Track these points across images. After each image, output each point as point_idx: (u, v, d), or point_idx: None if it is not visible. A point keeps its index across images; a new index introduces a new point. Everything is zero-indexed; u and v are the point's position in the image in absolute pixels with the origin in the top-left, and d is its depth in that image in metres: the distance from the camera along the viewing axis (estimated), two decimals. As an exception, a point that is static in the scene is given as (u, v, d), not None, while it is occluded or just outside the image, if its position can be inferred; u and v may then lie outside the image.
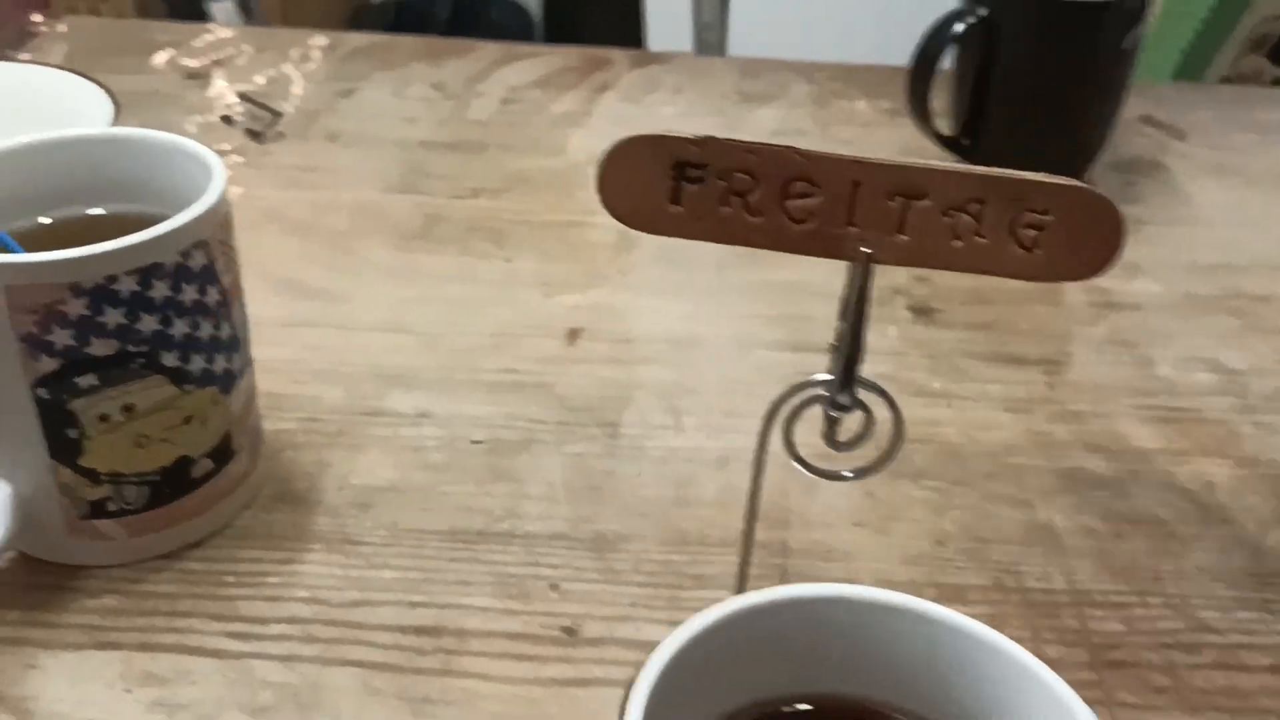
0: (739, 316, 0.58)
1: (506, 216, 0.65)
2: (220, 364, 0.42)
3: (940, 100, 0.69)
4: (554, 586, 0.42)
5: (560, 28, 2.09)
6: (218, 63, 0.81)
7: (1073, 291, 0.61)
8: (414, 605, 0.41)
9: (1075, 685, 0.39)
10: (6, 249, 0.40)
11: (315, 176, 0.68)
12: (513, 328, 0.56)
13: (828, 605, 0.28)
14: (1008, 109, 0.67)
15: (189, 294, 0.39)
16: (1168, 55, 1.11)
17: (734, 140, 0.29)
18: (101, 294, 0.37)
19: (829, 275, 0.52)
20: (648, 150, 0.29)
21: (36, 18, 0.86)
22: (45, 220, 0.43)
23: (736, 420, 0.51)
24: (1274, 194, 0.72)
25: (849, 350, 0.31)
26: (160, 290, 0.39)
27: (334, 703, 0.38)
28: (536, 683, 0.39)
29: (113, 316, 0.38)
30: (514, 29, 2.12)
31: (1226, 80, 1.03)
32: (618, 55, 0.85)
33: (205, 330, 0.40)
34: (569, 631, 0.41)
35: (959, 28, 0.64)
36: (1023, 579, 0.43)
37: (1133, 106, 0.81)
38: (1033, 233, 0.30)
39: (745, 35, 1.58)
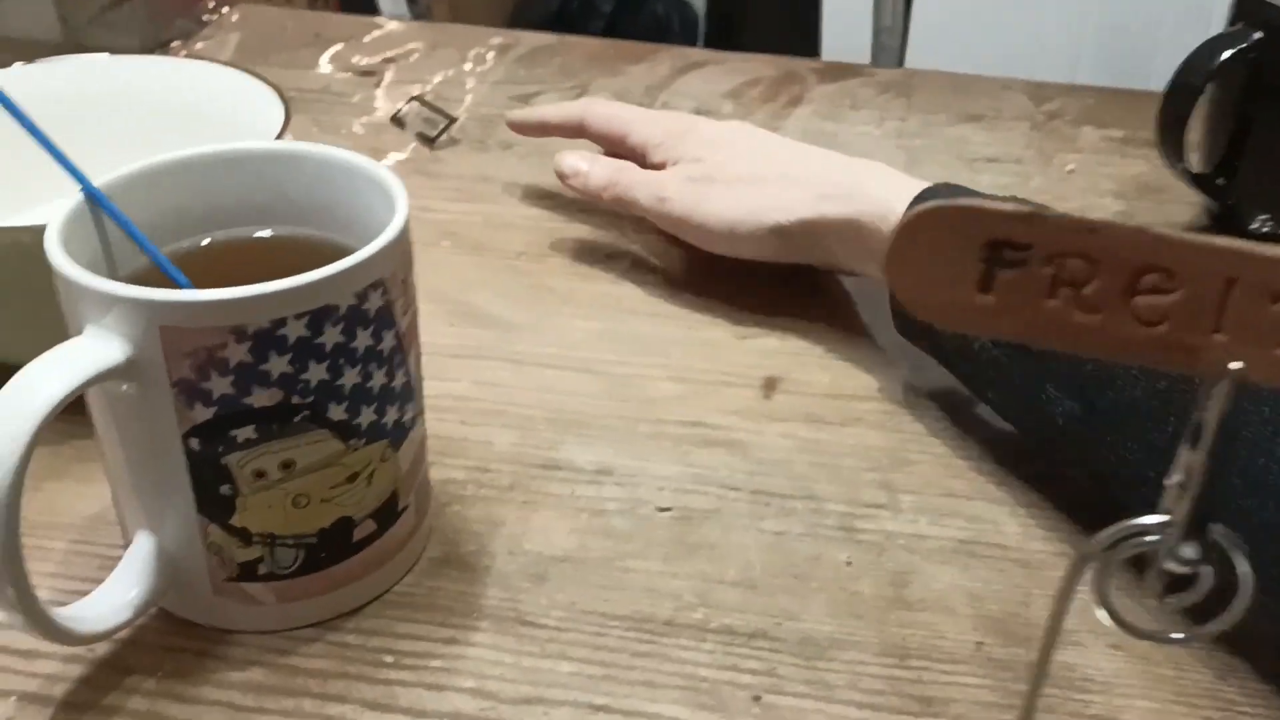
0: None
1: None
2: (391, 416, 0.37)
3: (1191, 132, 0.61)
4: (756, 699, 0.36)
5: (725, 23, 2.03)
6: (388, 60, 0.77)
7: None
8: (595, 709, 0.36)
9: None
10: (170, 280, 0.36)
11: (489, 189, 0.63)
12: (702, 374, 0.50)
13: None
14: (1268, 151, 0.58)
15: (362, 340, 0.34)
16: None
17: (1069, 217, 0.23)
18: (267, 339, 0.33)
19: None
20: (955, 224, 0.23)
21: (209, 4, 0.84)
22: (207, 241, 0.39)
23: (963, 504, 0.44)
24: None
25: (1200, 490, 0.24)
26: (331, 336, 0.34)
27: (502, 829, 0.32)
28: (737, 825, 0.33)
29: (277, 364, 0.33)
30: (677, 24, 2.06)
31: None
32: (803, 66, 0.79)
33: (377, 380, 0.36)
34: (774, 757, 0.35)
35: (1228, 54, 0.56)
36: (1328, 737, 0.36)
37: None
38: None
39: (925, 45, 1.49)
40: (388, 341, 0.36)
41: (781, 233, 0.51)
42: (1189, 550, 0.24)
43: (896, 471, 0.45)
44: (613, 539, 0.42)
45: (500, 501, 0.43)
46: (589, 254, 0.58)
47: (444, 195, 0.63)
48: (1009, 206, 0.23)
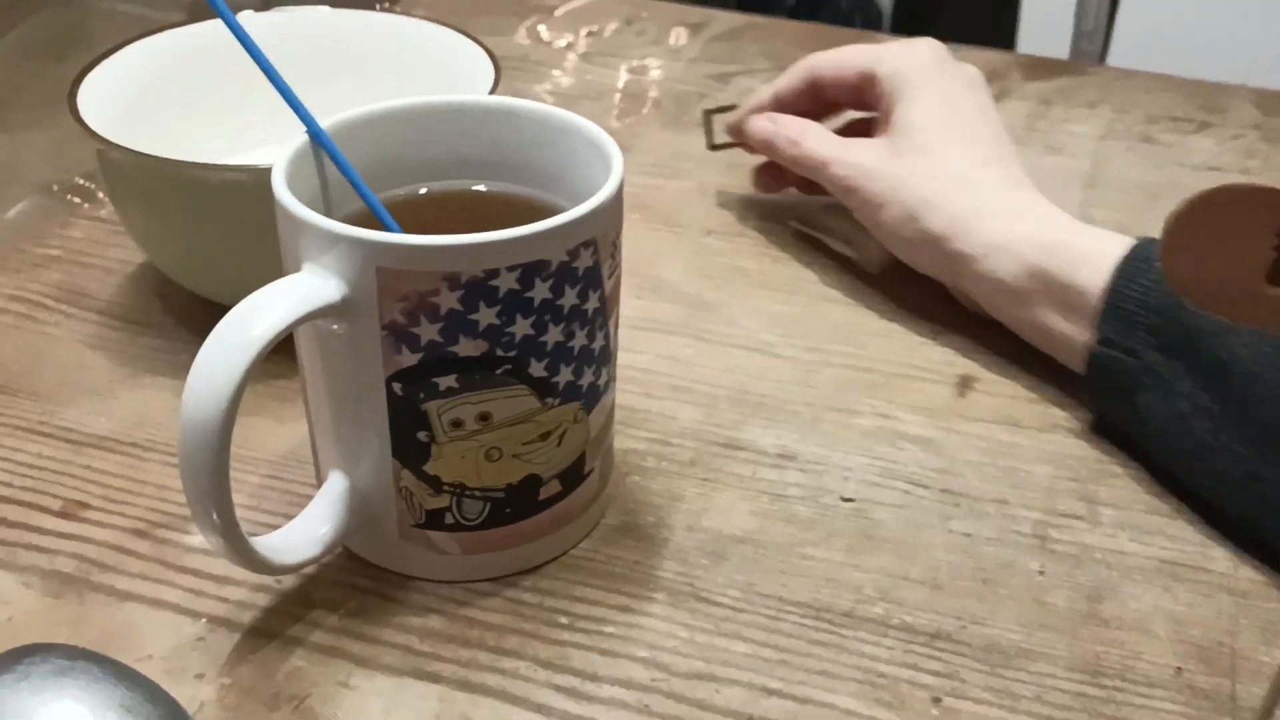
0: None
1: (890, 232, 0.57)
2: (587, 378, 0.36)
3: None
4: (936, 700, 0.35)
5: (912, 14, 1.98)
6: (589, 34, 0.78)
7: None
8: (769, 692, 0.35)
9: None
10: (383, 225, 0.37)
11: (683, 165, 0.63)
12: (896, 366, 0.49)
13: None
14: None
15: (569, 298, 0.34)
16: None
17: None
18: (478, 288, 0.33)
19: None
20: (1250, 207, 0.21)
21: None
22: (424, 190, 0.39)
23: (1167, 523, 0.41)
24: None
25: None
26: (540, 291, 0.33)
27: (670, 803, 0.32)
28: (912, 829, 0.31)
29: (485, 315, 0.33)
30: (859, 21, 2.02)
31: None
32: (1006, 59, 0.76)
33: (578, 340, 0.35)
34: (954, 764, 0.33)
35: None
36: None
37: None
38: None
39: (1129, 45, 1.43)
40: (592, 302, 0.35)
41: (974, 279, 0.47)
42: None
43: (1096, 484, 0.43)
44: (793, 525, 0.41)
45: (681, 476, 0.43)
46: (782, 235, 0.57)
47: (637, 169, 0.62)
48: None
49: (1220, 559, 0.40)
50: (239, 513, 0.33)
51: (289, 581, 0.38)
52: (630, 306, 0.51)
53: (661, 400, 0.46)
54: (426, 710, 0.34)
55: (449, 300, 0.33)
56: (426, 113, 0.39)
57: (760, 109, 0.56)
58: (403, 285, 0.32)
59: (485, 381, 0.34)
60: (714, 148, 0.59)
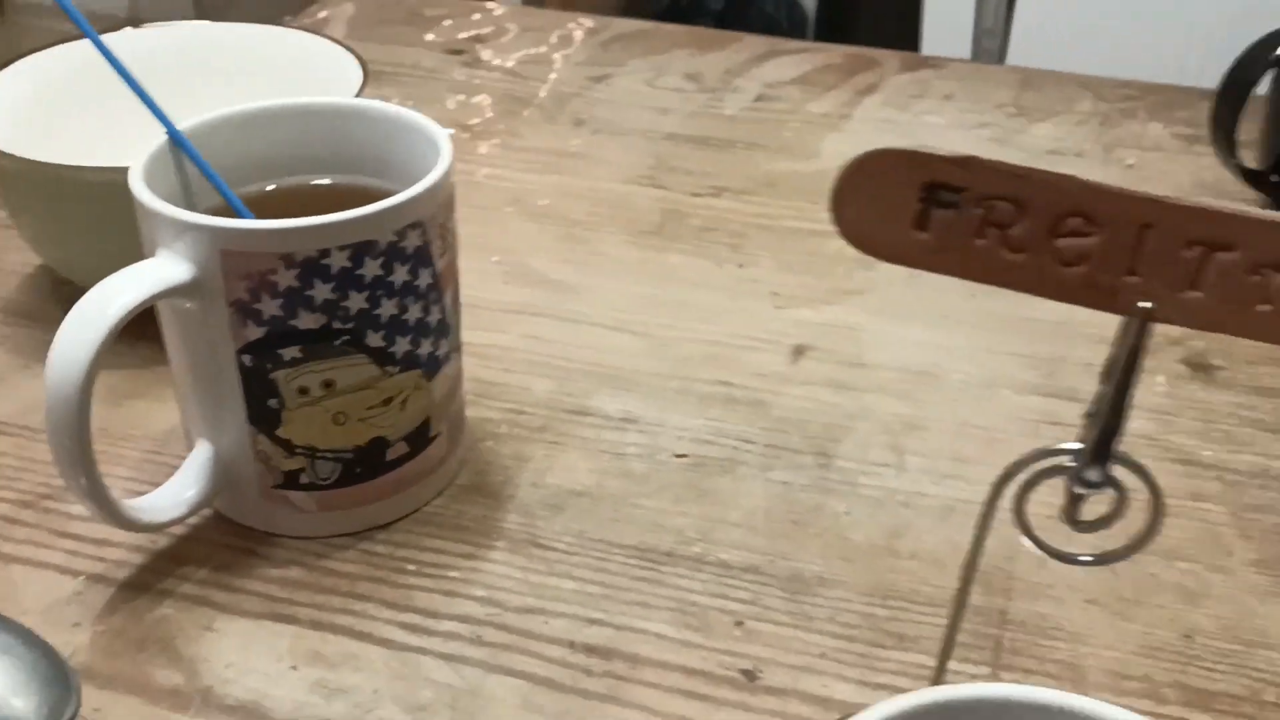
0: (987, 351, 0.53)
1: (747, 219, 0.62)
2: (426, 348, 0.40)
3: (1251, 130, 0.61)
4: (739, 623, 0.39)
5: (834, 26, 2.04)
6: (479, 39, 0.82)
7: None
8: (590, 621, 0.39)
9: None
10: (238, 214, 0.40)
11: (560, 161, 0.67)
12: (736, 339, 0.53)
13: (1031, 713, 0.24)
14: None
15: (400, 275, 0.38)
16: None
17: (1000, 163, 0.25)
18: (312, 267, 0.37)
19: (1103, 320, 0.46)
20: (898, 166, 0.25)
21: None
22: (271, 187, 0.43)
23: (967, 468, 0.46)
24: None
25: (1108, 419, 0.26)
26: (371, 269, 0.37)
27: (491, 712, 0.36)
28: (706, 729, 0.36)
29: (321, 291, 0.37)
30: (786, 25, 2.08)
31: None
32: (887, 56, 0.81)
33: (413, 313, 0.39)
34: (749, 675, 0.37)
35: (1280, 50, 0.57)
36: (1288, 697, 0.37)
37: None
38: (1362, 305, 0.24)
39: (1027, 45, 1.49)
40: (424, 279, 0.39)
41: None
42: (1094, 474, 0.26)
43: (909, 436, 0.48)
44: (629, 479, 0.45)
45: (530, 441, 0.47)
46: (646, 226, 0.61)
47: (517, 166, 0.66)
48: (945, 152, 0.25)
49: (1009, 497, 0.44)
50: (121, 483, 0.37)
51: (162, 542, 0.42)
52: (498, 291, 0.55)
53: (519, 375, 0.50)
54: (280, 646, 0.38)
55: (287, 278, 0.37)
56: (275, 114, 0.43)
57: None
58: (244, 266, 0.36)
59: (327, 352, 0.38)
60: None
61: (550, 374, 0.50)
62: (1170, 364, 0.52)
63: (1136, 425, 0.48)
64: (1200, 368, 0.52)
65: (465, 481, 0.45)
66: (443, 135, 0.41)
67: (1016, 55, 1.44)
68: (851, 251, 0.57)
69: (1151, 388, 0.51)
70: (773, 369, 0.51)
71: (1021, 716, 0.24)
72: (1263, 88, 0.60)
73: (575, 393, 0.49)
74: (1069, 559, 0.29)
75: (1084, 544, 0.30)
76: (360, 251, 0.37)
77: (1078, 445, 0.27)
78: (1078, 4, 1.47)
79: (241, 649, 0.38)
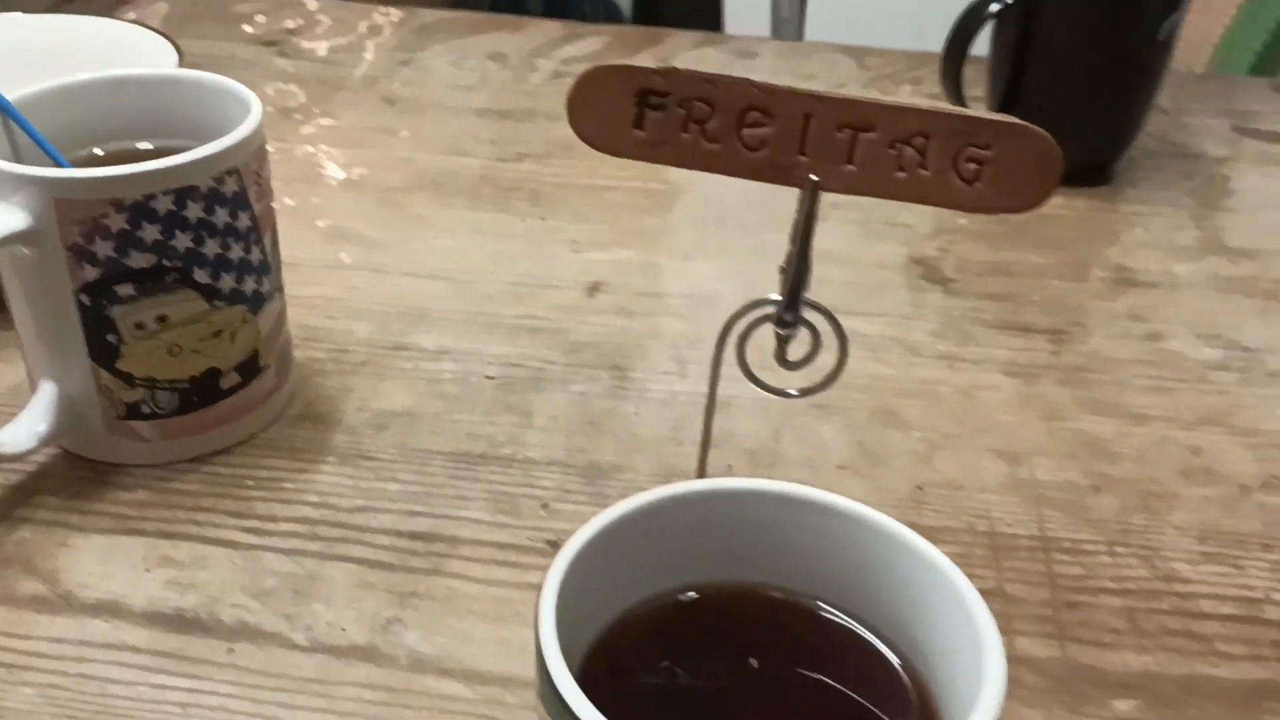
0: (761, 275, 0.60)
1: (547, 179, 0.68)
2: (249, 285, 0.45)
3: (978, 82, 0.70)
4: (544, 506, 0.45)
5: (647, 23, 2.13)
6: (293, 31, 0.86)
7: (1094, 269, 0.62)
8: (413, 514, 0.45)
9: (1033, 621, 0.41)
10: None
11: (374, 137, 0.72)
12: (538, 280, 0.59)
13: (741, 499, 0.30)
14: (1042, 90, 0.68)
15: (221, 217, 0.43)
16: (1244, 52, 1.10)
17: (695, 71, 0.32)
18: (140, 211, 0.41)
19: (852, 243, 0.54)
20: (615, 78, 0.32)
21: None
22: (99, 151, 0.47)
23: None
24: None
25: (795, 271, 0.33)
26: (194, 211, 0.42)
27: (328, 592, 0.41)
28: (516, 586, 0.42)
29: (150, 232, 0.42)
30: (602, 19, 2.16)
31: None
32: (675, 34, 0.88)
33: (236, 252, 0.44)
34: (553, 544, 0.44)
35: (995, 7, 0.66)
36: (995, 524, 0.45)
37: (1194, 95, 0.81)
38: (974, 166, 0.32)
39: (822, 31, 1.59)
40: (243, 221, 0.44)
41: None
42: (789, 316, 0.33)
43: (690, 349, 0.55)
44: (445, 400, 0.51)
45: (354, 374, 0.52)
46: (455, 190, 0.67)
47: (334, 142, 0.71)
48: (651, 65, 0.32)
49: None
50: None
51: (14, 478, 0.45)
52: (319, 250, 0.60)
53: (342, 320, 0.55)
54: (134, 554, 0.42)
55: (118, 222, 0.41)
56: (99, 85, 0.47)
57: None
58: (78, 212, 0.41)
59: (159, 288, 0.43)
60: None
61: (370, 318, 0.56)
62: (913, 279, 0.60)
63: (883, 330, 0.56)
64: (936, 280, 0.60)
65: (296, 411, 0.50)
66: (251, 96, 0.46)
67: (815, 37, 1.55)
68: (641, 201, 0.65)
69: (896, 298, 0.59)
70: (572, 303, 0.58)
71: (727, 504, 0.31)
72: (988, 45, 0.69)
73: (393, 333, 0.55)
74: (781, 393, 0.36)
75: (794, 382, 0.37)
76: (183, 195, 0.42)
77: (777, 297, 0.34)
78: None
79: (98, 560, 0.42)
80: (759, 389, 0.36)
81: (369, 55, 0.83)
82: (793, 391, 0.36)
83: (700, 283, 0.60)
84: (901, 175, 0.32)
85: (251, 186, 0.44)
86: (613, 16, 2.18)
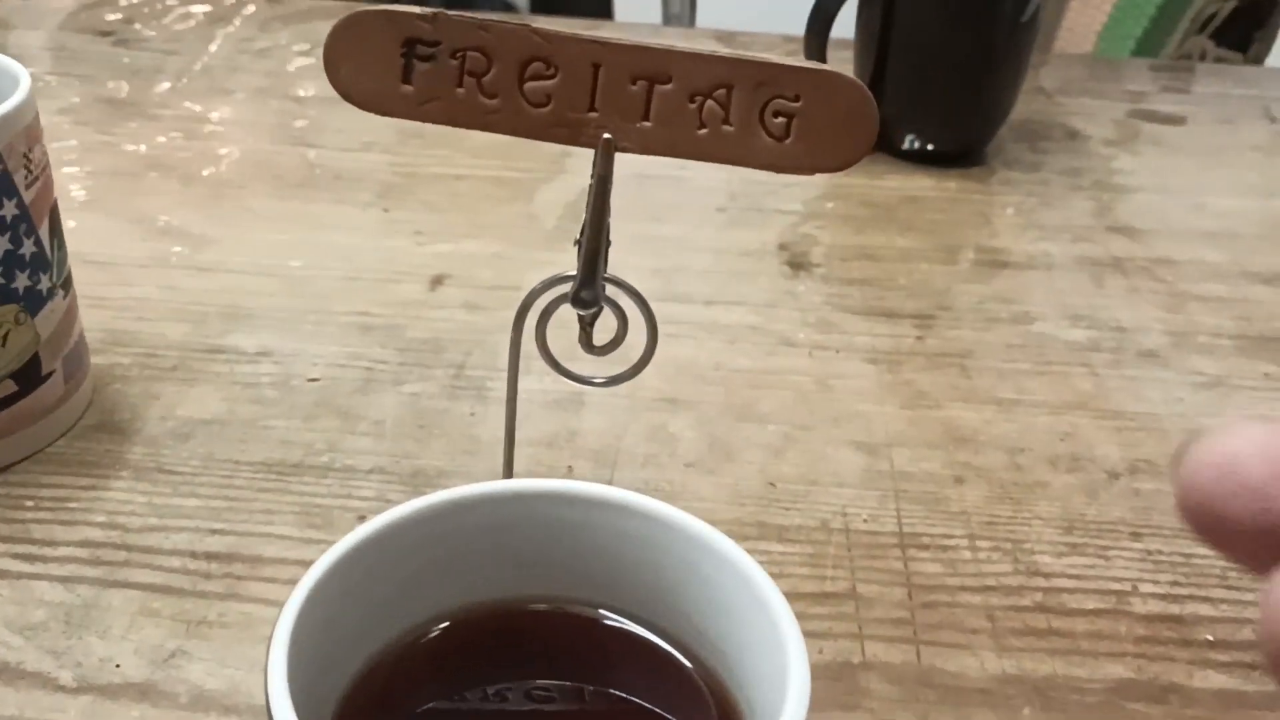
0: (619, 268, 0.56)
1: (395, 170, 0.64)
2: (21, 281, 0.40)
3: (847, 64, 0.68)
4: (361, 517, 0.41)
5: (543, 12, 2.09)
6: (132, 19, 0.81)
7: (964, 251, 0.60)
8: (211, 532, 0.40)
9: (887, 624, 0.38)
10: None
11: (208, 128, 0.67)
12: (377, 273, 0.55)
13: (527, 502, 0.27)
14: (908, 71, 0.65)
15: (-22, 204, 0.38)
16: (1127, 35, 1.09)
17: (466, 15, 0.28)
18: (-124, 197, 0.36)
19: (715, 231, 0.50)
20: (376, 25, 0.28)
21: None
22: None
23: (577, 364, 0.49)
24: (1197, 163, 0.70)
25: (590, 242, 0.29)
26: (-56, 197, 0.37)
27: (105, 622, 0.37)
28: (319, 608, 0.37)
29: (-110, 221, 0.37)
30: (500, 11, 2.11)
31: (1180, 59, 1.01)
32: (553, 24, 0.84)
33: (1, 244, 0.39)
34: (367, 561, 0.39)
35: (857, -15, 0.63)
36: (850, 520, 0.42)
37: (1074, 77, 0.80)
38: (782, 121, 0.29)
39: (714, 20, 1.56)
40: (8, 209, 0.39)
41: None
42: (587, 294, 0.30)
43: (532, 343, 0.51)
44: (260, 405, 0.46)
45: (161, 380, 0.47)
46: (293, 181, 0.63)
47: (165, 133, 0.66)
48: (416, 10, 0.28)
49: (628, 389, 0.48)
50: None
51: None
52: (135, 249, 0.55)
53: (153, 322, 0.51)
54: (-118, 589, 0.37)
55: None
56: None
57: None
58: None
59: (-93, 287, 0.38)
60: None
61: (186, 319, 0.51)
62: (776, 265, 0.57)
63: (743, 318, 0.53)
64: (800, 266, 0.57)
65: (91, 422, 0.45)
66: (20, 70, 0.41)
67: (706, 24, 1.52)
68: (492, 190, 0.61)
69: (758, 285, 0.56)
70: (412, 297, 0.53)
71: (533, 505, 0.27)
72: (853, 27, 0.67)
73: (210, 334, 0.50)
74: (585, 381, 0.32)
75: (603, 368, 0.33)
76: (-71, 181, 0.37)
77: (573, 273, 0.30)
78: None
79: None
80: (563, 377, 0.33)
81: (214, 45, 0.78)
82: (598, 380, 0.32)
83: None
84: (704, 132, 0.28)
85: (18, 170, 0.40)
86: (509, 8, 2.15)
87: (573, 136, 0.29)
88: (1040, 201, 0.65)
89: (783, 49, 0.80)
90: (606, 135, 0.28)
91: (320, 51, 0.69)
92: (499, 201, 0.62)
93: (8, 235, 0.40)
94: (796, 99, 0.28)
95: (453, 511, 0.27)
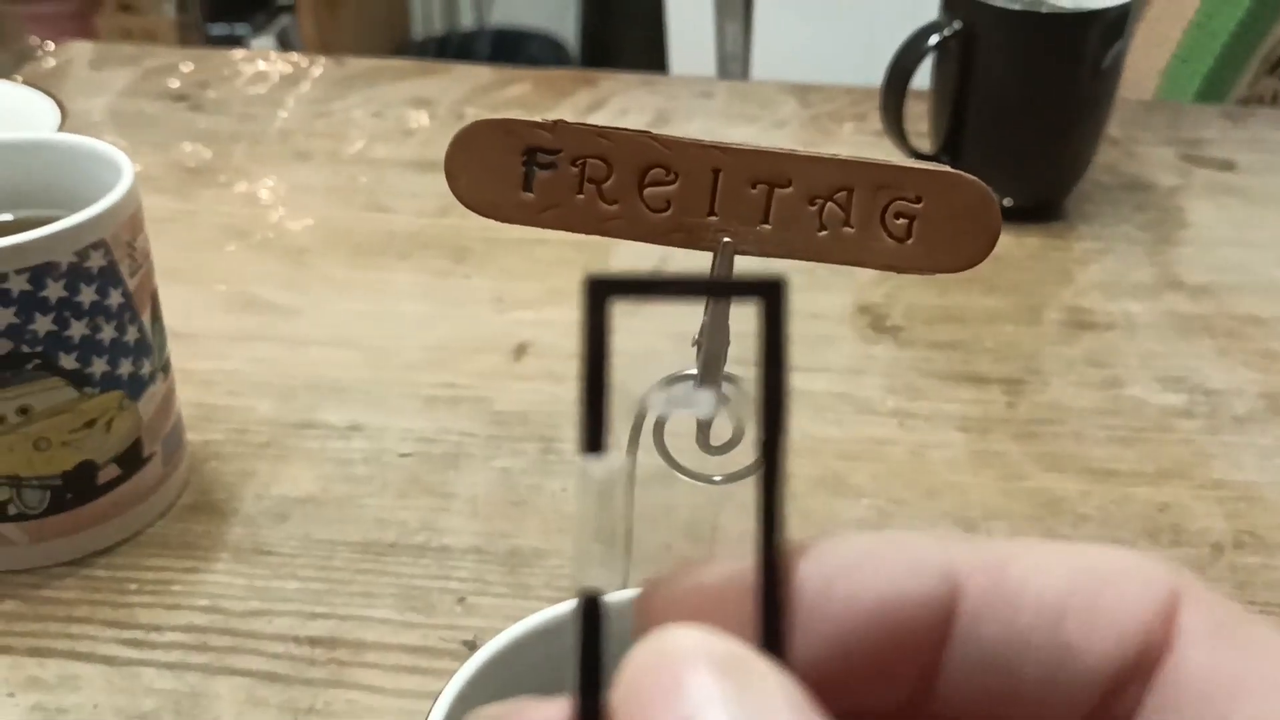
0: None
1: (472, 235, 0.64)
2: (125, 368, 0.41)
3: (924, 118, 0.68)
4: (460, 600, 0.41)
5: (595, 64, 2.11)
6: (206, 84, 0.82)
7: (1049, 311, 0.59)
8: (313, 616, 0.40)
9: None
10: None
11: (288, 195, 0.68)
12: (459, 342, 0.55)
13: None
14: (987, 125, 0.65)
15: (87, 295, 0.39)
16: (1190, 80, 1.08)
17: (586, 124, 0.28)
18: (-9, 292, 0.37)
19: (793, 293, 0.49)
20: (496, 135, 0.28)
21: (37, 40, 0.88)
22: (-43, 224, 0.43)
23: (679, 440, 0.49)
24: (1274, 215, 0.69)
25: (710, 344, 0.29)
26: (54, 290, 0.38)
27: (214, 710, 0.37)
28: (426, 696, 0.37)
29: (3, 316, 0.37)
30: (550, 65, 2.14)
31: (1244, 103, 1.00)
32: (612, 77, 0.85)
33: (107, 333, 0.40)
34: (470, 645, 0.39)
35: (934, 40, 0.63)
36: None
37: (1142, 125, 0.79)
38: (903, 222, 0.28)
39: (770, 67, 1.57)
40: (114, 298, 0.40)
41: None
42: (705, 396, 0.30)
43: (627, 415, 0.50)
44: (353, 482, 0.47)
45: (255, 457, 0.48)
46: (370, 248, 0.63)
47: (240, 201, 0.67)
48: (537, 119, 0.28)
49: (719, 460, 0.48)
50: None
51: None
52: (221, 321, 0.56)
53: (243, 397, 0.51)
54: (-6, 678, 0.38)
55: (-34, 306, 0.37)
56: (-48, 153, 0.43)
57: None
58: (-81, 297, 0.37)
59: (19, 377, 0.39)
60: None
61: (274, 393, 0.51)
62: (857, 329, 0.57)
63: (829, 386, 0.53)
64: (882, 329, 0.57)
65: (189, 501, 0.45)
66: (123, 159, 0.41)
67: (764, 73, 1.52)
68: (572, 255, 0.61)
69: (840, 350, 0.55)
70: (496, 368, 0.54)
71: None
72: (928, 79, 0.67)
73: (299, 408, 0.51)
74: (704, 479, 0.32)
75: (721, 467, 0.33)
76: (40, 273, 0.38)
77: (691, 372, 0.30)
78: (813, 25, 1.57)
79: (-48, 684, 0.38)
80: (679, 474, 0.33)
81: (286, 108, 0.79)
82: (716, 478, 0.32)
83: (637, 340, 0.56)
84: (824, 234, 0.28)
85: (123, 260, 0.40)
86: (562, 60, 2.17)
87: (692, 240, 0.29)
88: (1120, 257, 0.64)
89: (854, 104, 0.80)
90: (727, 239, 0.28)
91: (390, 113, 0.69)
92: (575, 267, 0.62)
93: (114, 324, 0.40)
94: (917, 200, 0.28)
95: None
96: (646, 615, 0.17)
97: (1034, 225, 0.66)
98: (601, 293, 0.16)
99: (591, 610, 0.16)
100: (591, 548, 0.16)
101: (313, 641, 0.39)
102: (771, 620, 0.15)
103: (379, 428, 0.49)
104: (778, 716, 0.13)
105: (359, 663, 0.39)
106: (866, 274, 0.61)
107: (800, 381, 0.53)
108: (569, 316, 0.57)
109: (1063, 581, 0.16)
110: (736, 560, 0.16)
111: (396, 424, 0.50)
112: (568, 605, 0.27)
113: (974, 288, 0.60)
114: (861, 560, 0.17)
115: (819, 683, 0.15)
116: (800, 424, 0.50)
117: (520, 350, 0.55)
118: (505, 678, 0.26)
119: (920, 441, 0.49)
